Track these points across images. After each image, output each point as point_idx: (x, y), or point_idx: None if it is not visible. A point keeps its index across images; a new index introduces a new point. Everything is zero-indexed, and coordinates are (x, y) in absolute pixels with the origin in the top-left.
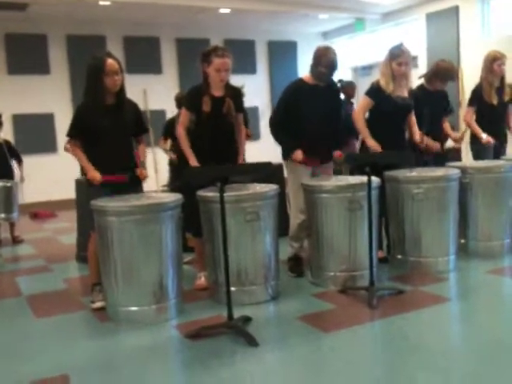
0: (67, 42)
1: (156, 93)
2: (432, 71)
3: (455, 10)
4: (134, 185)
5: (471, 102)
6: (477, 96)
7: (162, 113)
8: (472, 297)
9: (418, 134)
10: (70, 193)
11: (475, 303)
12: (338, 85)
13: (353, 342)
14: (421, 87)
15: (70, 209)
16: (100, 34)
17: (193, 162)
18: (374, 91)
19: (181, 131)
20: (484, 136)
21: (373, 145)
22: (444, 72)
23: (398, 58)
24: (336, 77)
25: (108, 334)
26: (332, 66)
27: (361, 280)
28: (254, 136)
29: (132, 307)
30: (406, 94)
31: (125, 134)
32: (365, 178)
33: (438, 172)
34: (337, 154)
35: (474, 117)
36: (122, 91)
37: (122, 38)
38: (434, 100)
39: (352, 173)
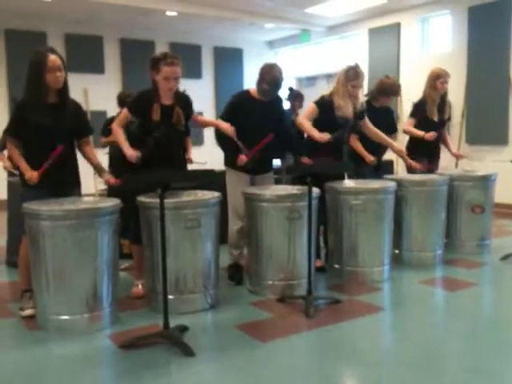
0: (5, 37)
1: (97, 93)
2: (376, 88)
3: (397, 26)
4: (72, 188)
5: (414, 115)
6: (420, 110)
7: (103, 114)
8: (404, 306)
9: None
10: (1, 194)
11: (407, 313)
12: (288, 92)
13: (289, 352)
14: (367, 104)
15: (0, 210)
16: (41, 30)
17: (128, 150)
18: (323, 104)
19: (116, 127)
20: (423, 134)
21: (321, 136)
22: (388, 88)
23: (353, 80)
24: (285, 86)
25: (37, 343)
26: (275, 84)
27: (299, 289)
28: (197, 141)
29: (63, 316)
30: (350, 111)
31: (66, 133)
32: (305, 188)
33: (376, 184)
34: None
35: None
36: (64, 89)
37: (63, 35)
38: (379, 116)
39: (294, 183)
